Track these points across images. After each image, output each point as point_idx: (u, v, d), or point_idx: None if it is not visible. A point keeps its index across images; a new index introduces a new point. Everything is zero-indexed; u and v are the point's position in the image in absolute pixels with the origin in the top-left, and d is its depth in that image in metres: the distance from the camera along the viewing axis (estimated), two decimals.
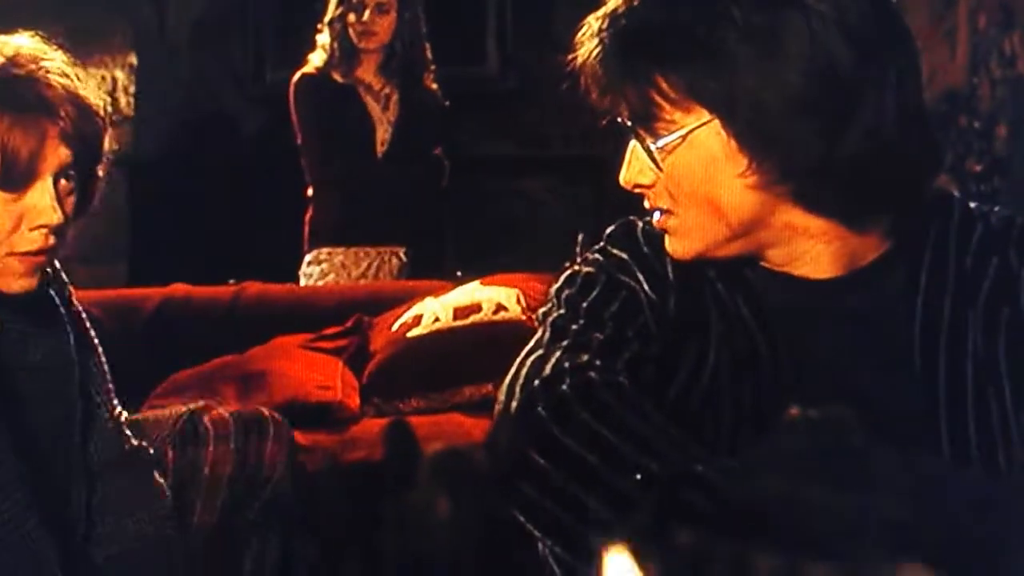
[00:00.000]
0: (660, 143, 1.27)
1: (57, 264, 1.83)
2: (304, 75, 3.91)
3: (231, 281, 3.40)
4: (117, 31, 5.75)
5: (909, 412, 1.29)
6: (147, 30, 5.65)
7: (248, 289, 3.27)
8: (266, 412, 2.10)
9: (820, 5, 1.22)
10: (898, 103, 1.25)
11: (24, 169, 1.59)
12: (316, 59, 3.92)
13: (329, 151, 3.88)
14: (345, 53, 3.86)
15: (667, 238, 1.34)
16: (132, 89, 5.77)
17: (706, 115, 1.25)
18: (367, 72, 3.91)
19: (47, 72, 1.63)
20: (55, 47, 1.70)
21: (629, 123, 1.30)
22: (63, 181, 1.64)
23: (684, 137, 1.26)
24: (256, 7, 5.57)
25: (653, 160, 1.29)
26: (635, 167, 1.32)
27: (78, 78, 1.68)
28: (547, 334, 1.33)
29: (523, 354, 1.31)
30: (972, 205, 1.39)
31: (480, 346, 2.80)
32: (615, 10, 1.28)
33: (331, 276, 3.84)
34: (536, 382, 1.24)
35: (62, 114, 1.61)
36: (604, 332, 1.31)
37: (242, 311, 3.19)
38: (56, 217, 1.61)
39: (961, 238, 1.34)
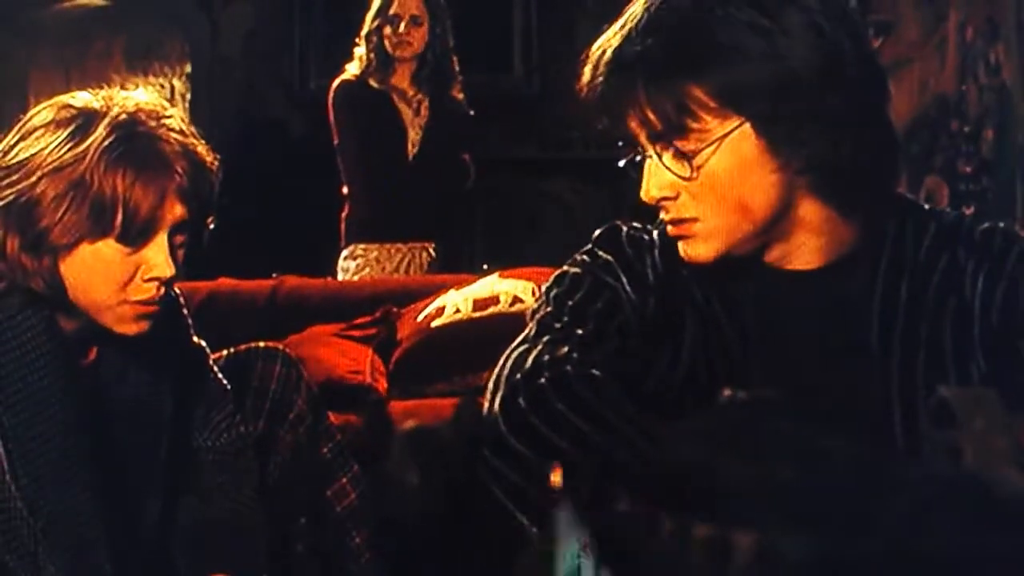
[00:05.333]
0: (694, 153, 1.25)
1: (185, 312, 1.82)
2: (342, 81, 3.95)
3: (274, 275, 3.44)
4: (174, 43, 5.82)
5: (868, 398, 1.31)
6: (201, 42, 5.72)
7: (286, 283, 3.31)
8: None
9: (815, 3, 1.24)
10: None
11: (143, 225, 1.55)
12: (353, 67, 3.95)
13: (363, 153, 3.91)
14: (381, 62, 3.89)
15: (686, 243, 1.32)
16: (188, 96, 5.84)
17: (736, 120, 1.24)
18: (401, 80, 3.93)
19: (167, 130, 1.59)
20: (171, 106, 1.66)
21: (649, 141, 1.29)
22: (178, 236, 1.60)
23: (718, 144, 1.25)
24: (302, 20, 5.62)
25: (680, 172, 1.27)
26: (656, 182, 1.30)
27: (194, 135, 1.63)
28: (533, 330, 1.36)
29: (511, 348, 1.35)
30: (925, 206, 1.42)
31: (497, 335, 2.78)
32: (628, 33, 1.27)
33: (366, 270, 3.87)
34: (518, 375, 1.27)
35: (179, 171, 1.57)
36: (586, 328, 1.33)
37: (281, 303, 3.23)
38: (170, 272, 1.58)
39: (916, 235, 1.36)
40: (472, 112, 4.05)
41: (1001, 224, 1.38)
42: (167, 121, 1.60)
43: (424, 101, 3.94)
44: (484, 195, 4.56)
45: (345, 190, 4.00)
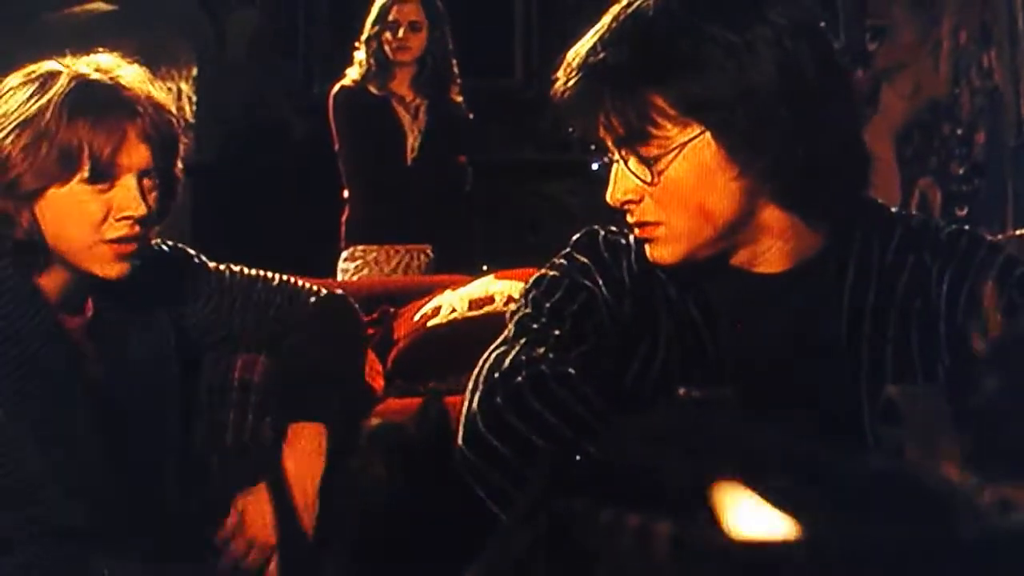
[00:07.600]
0: (656, 159, 1.27)
1: (195, 256, 1.84)
2: (342, 87, 3.96)
3: None
4: (182, 47, 5.85)
5: (838, 398, 1.33)
6: (207, 46, 5.75)
7: None
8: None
9: (784, 20, 1.26)
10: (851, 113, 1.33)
11: (108, 165, 1.60)
12: (353, 73, 3.96)
13: (363, 157, 3.93)
14: (380, 67, 3.90)
15: (650, 246, 1.35)
16: (194, 99, 5.87)
17: (697, 128, 1.26)
18: (400, 85, 3.94)
19: (125, 77, 1.65)
20: (130, 62, 1.71)
21: (615, 146, 1.31)
22: (146, 180, 1.64)
23: (679, 151, 1.27)
24: (306, 26, 5.64)
25: (643, 177, 1.29)
26: (621, 186, 1.33)
27: (153, 82, 1.69)
28: (512, 331, 1.39)
29: (490, 349, 1.38)
30: (892, 210, 1.44)
31: (492, 334, 2.82)
32: (596, 42, 1.29)
33: (365, 271, 3.89)
34: (496, 375, 1.30)
35: (140, 111, 1.63)
36: (563, 329, 1.36)
37: None
38: (141, 208, 1.62)
39: (883, 238, 1.37)
40: (472, 115, 4.05)
41: (966, 227, 1.40)
42: (125, 71, 1.67)
43: (422, 106, 3.95)
44: (484, 197, 4.57)
45: (345, 193, 4.02)
